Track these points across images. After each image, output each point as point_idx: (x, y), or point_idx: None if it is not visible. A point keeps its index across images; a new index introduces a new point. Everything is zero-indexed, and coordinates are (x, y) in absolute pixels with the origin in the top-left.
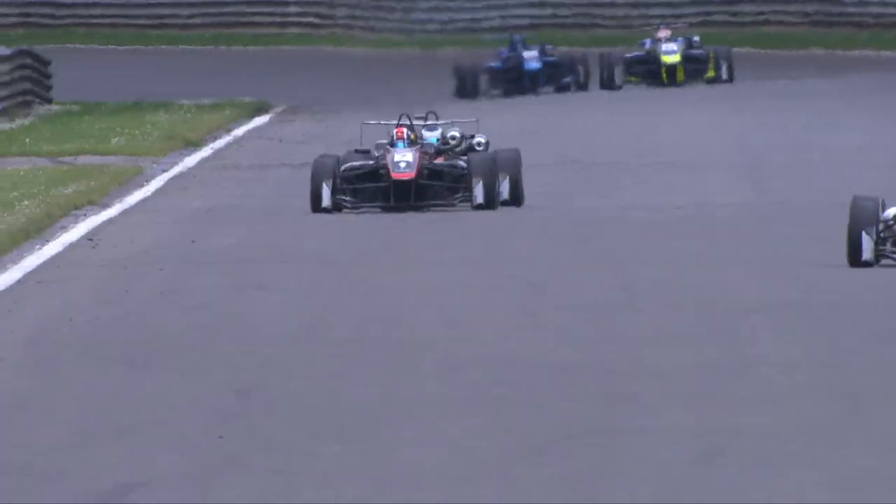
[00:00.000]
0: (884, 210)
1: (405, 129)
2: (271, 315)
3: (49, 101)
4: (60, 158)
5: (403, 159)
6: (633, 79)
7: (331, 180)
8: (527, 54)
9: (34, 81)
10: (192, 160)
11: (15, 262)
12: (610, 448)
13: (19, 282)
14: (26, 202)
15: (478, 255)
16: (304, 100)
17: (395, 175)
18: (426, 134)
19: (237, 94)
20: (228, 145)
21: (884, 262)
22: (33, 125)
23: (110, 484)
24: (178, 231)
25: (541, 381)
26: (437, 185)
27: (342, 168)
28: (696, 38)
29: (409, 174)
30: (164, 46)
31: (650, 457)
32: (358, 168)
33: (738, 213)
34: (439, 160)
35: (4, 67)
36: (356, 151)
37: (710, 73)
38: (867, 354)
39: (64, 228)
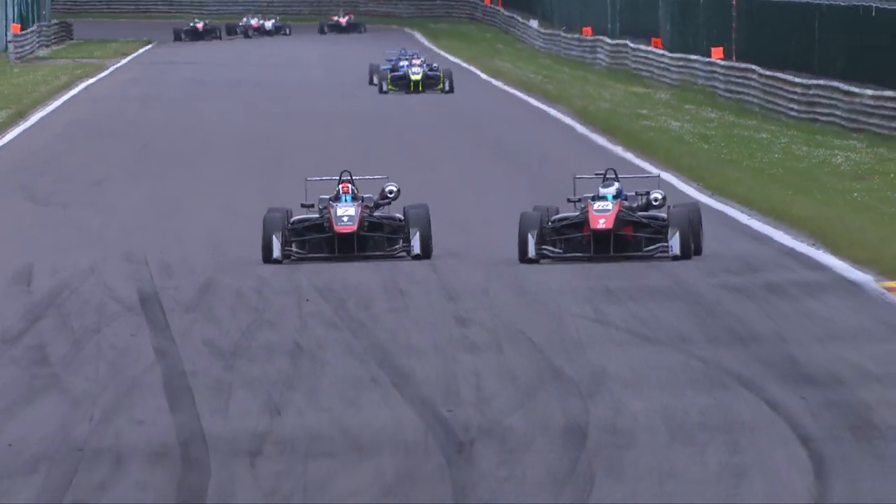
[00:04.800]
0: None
1: (350, 185)
2: (160, 120)
3: (71, 38)
4: (74, 59)
5: (346, 213)
6: (393, 87)
7: (280, 233)
8: None
9: (66, 32)
10: (125, 60)
11: (55, 102)
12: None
13: (56, 107)
14: (63, 77)
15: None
16: (162, 38)
17: (338, 228)
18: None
19: (139, 36)
20: (139, 55)
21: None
22: (65, 49)
23: None
24: (120, 88)
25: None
26: (377, 237)
27: (291, 221)
28: (435, 65)
29: (351, 227)
30: (121, 19)
31: None
32: (305, 221)
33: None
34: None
35: (54, 27)
36: (302, 206)
37: (441, 86)
38: None
39: (74, 87)
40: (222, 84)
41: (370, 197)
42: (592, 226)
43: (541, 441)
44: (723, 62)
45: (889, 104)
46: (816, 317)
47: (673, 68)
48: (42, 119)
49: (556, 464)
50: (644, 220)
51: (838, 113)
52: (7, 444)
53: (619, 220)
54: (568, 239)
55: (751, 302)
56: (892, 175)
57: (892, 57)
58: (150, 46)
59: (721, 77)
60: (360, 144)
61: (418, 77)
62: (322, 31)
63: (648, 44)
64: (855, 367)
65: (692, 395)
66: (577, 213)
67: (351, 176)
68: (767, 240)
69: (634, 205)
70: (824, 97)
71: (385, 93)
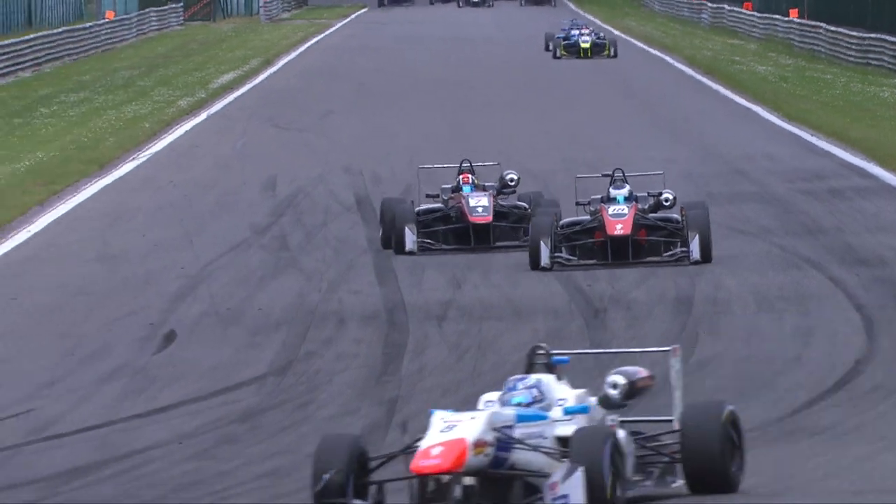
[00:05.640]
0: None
1: (470, 175)
2: (373, 66)
3: (306, 4)
4: (309, 20)
5: (480, 204)
6: (565, 53)
7: (413, 224)
8: None
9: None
10: (346, 21)
11: (294, 52)
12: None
13: (295, 56)
14: (300, 33)
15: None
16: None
17: (473, 219)
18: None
19: (350, 4)
20: (357, 16)
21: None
22: (302, 12)
23: None
24: (343, 41)
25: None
26: (504, 226)
27: (416, 212)
28: (602, 34)
29: (487, 218)
30: None
31: None
32: (434, 211)
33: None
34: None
35: None
36: (427, 196)
37: (607, 52)
38: None
39: (308, 41)
40: (422, 39)
41: (492, 185)
42: (609, 232)
43: (658, 309)
44: (798, 20)
45: None
46: (867, 214)
47: (760, 25)
48: (284, 65)
49: (669, 326)
50: (659, 223)
51: (886, 58)
52: (258, 308)
53: (635, 225)
54: (581, 244)
55: (818, 202)
56: None
57: None
58: (364, 10)
59: (796, 32)
60: (529, 87)
61: (587, 45)
62: (521, 4)
63: (741, 6)
64: None
65: (773, 275)
66: (589, 218)
67: (471, 164)
68: (830, 155)
69: (645, 206)
70: (876, 46)
71: (558, 58)
